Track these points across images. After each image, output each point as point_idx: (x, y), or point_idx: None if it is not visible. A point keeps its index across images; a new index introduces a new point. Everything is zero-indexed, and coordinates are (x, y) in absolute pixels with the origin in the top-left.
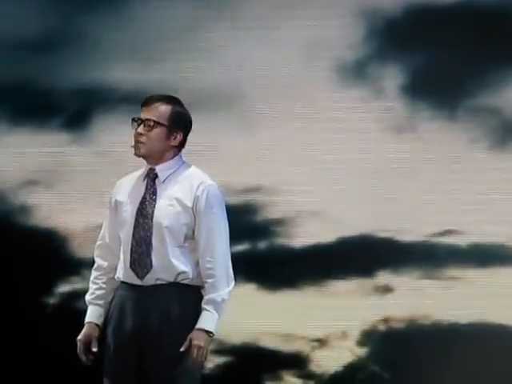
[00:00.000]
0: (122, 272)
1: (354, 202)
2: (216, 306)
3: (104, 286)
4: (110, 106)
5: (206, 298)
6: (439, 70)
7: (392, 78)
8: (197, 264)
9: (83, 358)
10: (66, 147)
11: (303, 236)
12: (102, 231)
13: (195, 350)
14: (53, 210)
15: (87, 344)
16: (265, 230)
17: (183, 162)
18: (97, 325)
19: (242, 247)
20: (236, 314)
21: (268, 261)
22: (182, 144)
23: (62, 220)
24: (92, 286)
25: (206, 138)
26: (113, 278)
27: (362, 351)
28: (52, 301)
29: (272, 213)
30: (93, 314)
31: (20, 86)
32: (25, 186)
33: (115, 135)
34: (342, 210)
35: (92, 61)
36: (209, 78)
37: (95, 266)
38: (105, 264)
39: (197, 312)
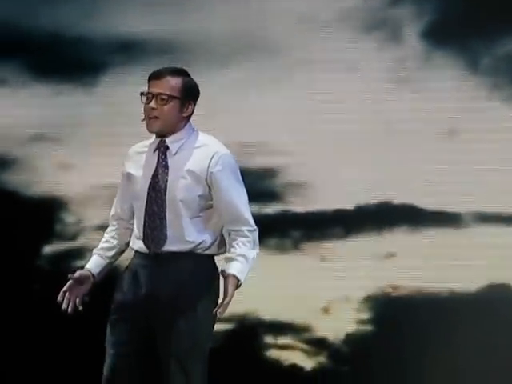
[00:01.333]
0: (136, 242)
1: (366, 164)
2: (247, 262)
3: (111, 239)
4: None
5: (237, 252)
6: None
7: (409, 24)
8: (213, 233)
9: (65, 299)
10: (80, 99)
11: (314, 201)
12: (115, 201)
13: (228, 299)
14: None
15: (75, 285)
16: (273, 194)
17: (193, 130)
18: (92, 274)
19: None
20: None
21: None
22: (192, 113)
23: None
24: (101, 241)
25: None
26: (120, 234)
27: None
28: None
29: (281, 177)
30: (91, 262)
31: (35, 38)
32: (34, 139)
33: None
34: (352, 173)
35: (106, 12)
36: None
37: (105, 232)
38: (115, 228)
39: (211, 282)
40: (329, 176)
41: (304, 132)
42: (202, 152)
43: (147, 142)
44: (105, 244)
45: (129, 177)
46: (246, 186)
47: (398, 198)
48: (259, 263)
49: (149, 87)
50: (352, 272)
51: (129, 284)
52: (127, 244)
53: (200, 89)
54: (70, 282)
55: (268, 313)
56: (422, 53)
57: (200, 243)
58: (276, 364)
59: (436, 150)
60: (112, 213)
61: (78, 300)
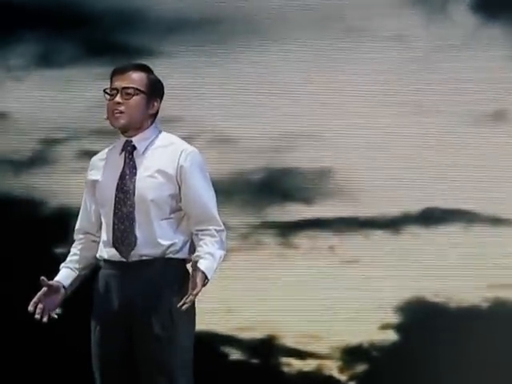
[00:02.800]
0: (105, 250)
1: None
2: (214, 260)
3: (78, 252)
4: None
5: (204, 250)
6: None
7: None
8: (184, 236)
9: (38, 308)
10: None
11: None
12: (80, 214)
13: (195, 292)
14: None
15: (47, 295)
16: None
17: (159, 130)
18: (63, 285)
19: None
20: None
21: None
22: (157, 112)
23: None
24: (68, 256)
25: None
26: (87, 248)
27: None
28: None
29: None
30: (61, 275)
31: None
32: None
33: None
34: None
35: None
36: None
37: (72, 246)
38: (82, 241)
39: (184, 286)
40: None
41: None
42: (171, 150)
43: (108, 149)
44: (73, 257)
45: (93, 184)
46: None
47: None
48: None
49: (112, 83)
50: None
51: (102, 296)
52: (95, 257)
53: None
54: (41, 291)
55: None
56: (470, 28)
57: (171, 246)
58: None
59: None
60: (77, 227)
61: (52, 310)
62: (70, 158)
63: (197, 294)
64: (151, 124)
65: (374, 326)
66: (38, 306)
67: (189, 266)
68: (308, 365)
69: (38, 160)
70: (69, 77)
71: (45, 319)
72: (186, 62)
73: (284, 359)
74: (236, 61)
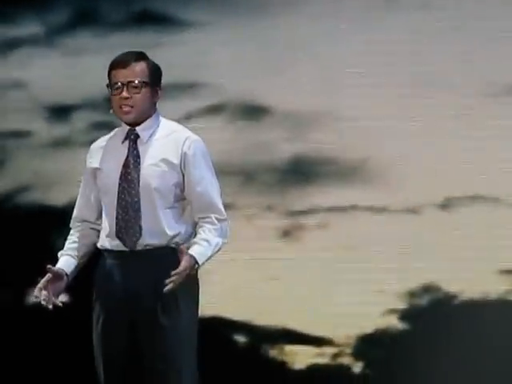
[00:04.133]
0: (108, 240)
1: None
2: (209, 246)
3: (77, 240)
4: None
5: (201, 236)
6: None
7: None
8: (188, 225)
9: (43, 294)
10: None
11: None
12: (77, 201)
13: (180, 275)
14: None
15: (51, 282)
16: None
17: (161, 118)
18: (66, 273)
19: None
20: None
21: None
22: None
23: None
24: (65, 244)
25: None
26: (86, 235)
27: None
28: None
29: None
30: (63, 262)
31: None
32: None
33: None
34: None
35: None
36: None
37: (70, 234)
38: (80, 229)
39: (190, 276)
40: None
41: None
42: (174, 139)
43: (108, 137)
44: (73, 245)
45: (94, 172)
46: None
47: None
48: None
49: (114, 77)
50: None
51: (105, 287)
52: (94, 245)
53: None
54: (45, 277)
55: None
56: None
57: (176, 235)
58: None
59: None
60: (75, 215)
61: (55, 297)
62: None
63: (179, 276)
64: (154, 112)
65: (387, 312)
66: (43, 293)
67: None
68: (317, 352)
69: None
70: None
71: (50, 306)
72: (221, 31)
73: (291, 346)
74: (272, 31)
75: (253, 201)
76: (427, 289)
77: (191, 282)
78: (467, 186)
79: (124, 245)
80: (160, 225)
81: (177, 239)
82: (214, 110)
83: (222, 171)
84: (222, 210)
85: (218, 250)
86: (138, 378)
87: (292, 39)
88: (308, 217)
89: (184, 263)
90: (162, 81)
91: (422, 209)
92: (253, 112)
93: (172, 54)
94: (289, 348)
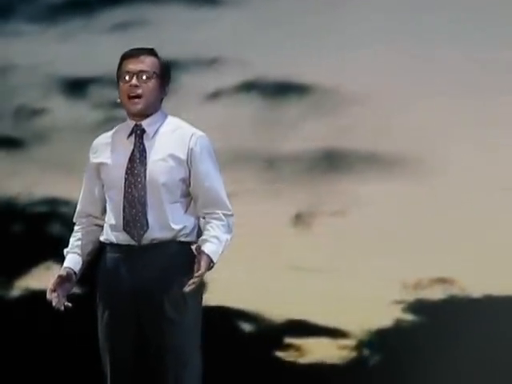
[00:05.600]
0: (114, 235)
1: None
2: (220, 243)
3: (83, 237)
4: None
5: (210, 233)
6: None
7: None
8: (193, 218)
9: (53, 296)
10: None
11: None
12: (80, 197)
13: (200, 274)
14: None
15: (61, 283)
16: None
17: (166, 114)
18: (74, 271)
19: None
20: None
21: None
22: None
23: None
24: (70, 241)
25: None
26: (91, 231)
27: None
28: None
29: None
30: (70, 261)
31: None
32: None
33: None
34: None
35: None
36: None
37: (74, 230)
38: (85, 225)
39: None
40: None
41: None
42: (180, 134)
43: (111, 133)
44: (78, 242)
45: (98, 167)
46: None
47: None
48: None
49: (125, 66)
50: None
51: (111, 281)
52: (99, 242)
53: None
54: (55, 280)
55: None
56: None
57: (182, 229)
58: None
59: None
60: (79, 210)
61: (65, 298)
62: None
63: (200, 277)
64: (160, 108)
65: (397, 303)
66: (54, 295)
67: (194, 250)
68: (330, 344)
69: None
70: None
71: (62, 308)
72: (251, 7)
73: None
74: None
75: (272, 185)
76: (442, 281)
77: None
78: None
79: (132, 238)
80: (166, 219)
81: (182, 233)
82: (245, 87)
83: (248, 153)
84: (229, 205)
85: (227, 246)
86: (144, 372)
87: (329, 17)
88: (325, 205)
89: (203, 264)
90: (194, 57)
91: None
92: (284, 90)
93: (203, 29)
94: (299, 340)
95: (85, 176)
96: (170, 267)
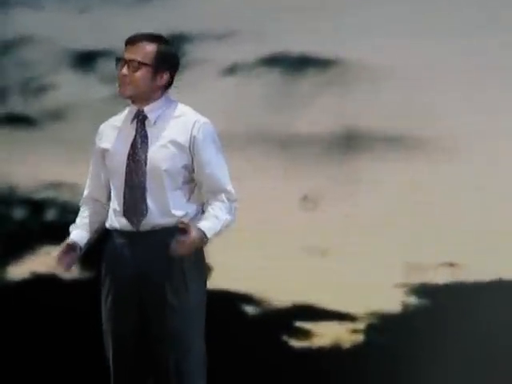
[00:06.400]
0: (116, 220)
1: None
2: (218, 222)
3: (89, 216)
4: None
5: (210, 213)
6: None
7: None
8: (196, 205)
9: (62, 259)
10: None
11: None
12: (88, 181)
13: (179, 244)
14: None
15: (66, 253)
16: None
17: (171, 101)
18: (79, 246)
19: None
20: None
21: None
22: (170, 83)
23: None
24: (77, 220)
25: None
26: (97, 213)
27: None
28: None
29: None
30: (76, 235)
31: None
32: None
33: None
34: None
35: None
36: None
37: (81, 211)
38: (92, 208)
39: (198, 256)
40: None
41: None
42: (183, 121)
43: (118, 117)
44: (85, 220)
45: (103, 152)
46: None
47: None
48: None
49: (123, 53)
50: None
51: (114, 266)
52: (103, 224)
53: None
54: (62, 248)
55: None
56: None
57: (183, 216)
58: None
59: None
60: (86, 194)
61: (70, 266)
62: None
63: (186, 244)
64: (162, 95)
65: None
66: (59, 262)
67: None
68: (336, 327)
69: None
70: None
71: (68, 269)
72: None
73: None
74: None
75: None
76: (450, 265)
77: (199, 263)
78: None
79: (131, 224)
80: (168, 206)
81: (184, 220)
82: (263, 62)
83: (262, 131)
84: (232, 191)
85: (227, 227)
86: (146, 356)
87: None
88: (337, 186)
89: (193, 234)
90: (210, 30)
91: None
92: (303, 65)
93: (221, 2)
94: (305, 323)
95: (91, 160)
96: (172, 256)
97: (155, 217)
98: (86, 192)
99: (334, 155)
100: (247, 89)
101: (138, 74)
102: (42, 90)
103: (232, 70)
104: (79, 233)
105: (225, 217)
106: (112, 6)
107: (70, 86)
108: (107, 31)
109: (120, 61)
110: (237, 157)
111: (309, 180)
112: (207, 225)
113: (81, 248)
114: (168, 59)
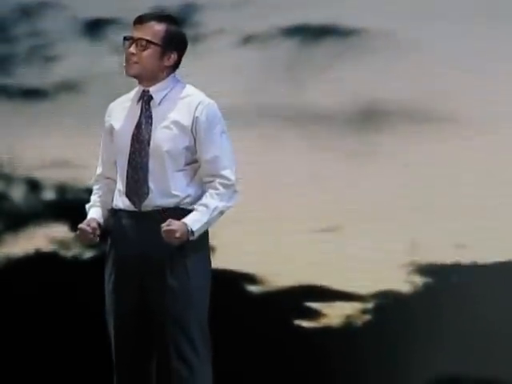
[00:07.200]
0: (121, 200)
1: None
2: (207, 211)
3: (104, 195)
4: None
5: (200, 202)
6: None
7: None
8: (199, 188)
9: (87, 233)
10: None
11: None
12: (99, 160)
13: (168, 234)
14: None
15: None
16: None
17: (178, 81)
18: (98, 223)
19: None
20: None
21: None
22: (177, 64)
23: None
24: (92, 198)
25: None
26: (112, 189)
27: None
28: None
29: None
30: (94, 213)
31: None
32: None
33: None
34: None
35: None
36: None
37: (94, 189)
38: (105, 186)
39: (200, 238)
40: None
41: None
42: (187, 102)
43: (129, 95)
44: (101, 198)
45: (111, 131)
46: None
47: None
48: None
49: (131, 31)
50: None
51: (117, 246)
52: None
53: None
54: (86, 221)
55: None
56: None
57: (185, 197)
58: None
59: None
60: (98, 172)
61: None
62: None
63: (166, 232)
64: (168, 75)
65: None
66: (85, 229)
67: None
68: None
69: None
70: None
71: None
72: None
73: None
74: None
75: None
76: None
77: (202, 246)
78: None
79: (133, 204)
80: (169, 186)
81: (187, 201)
82: (281, 31)
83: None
84: (229, 175)
85: (221, 215)
86: (148, 338)
87: None
88: (346, 164)
89: (175, 225)
90: None
91: None
92: (324, 35)
93: None
94: (309, 303)
95: (101, 139)
96: None
97: (156, 197)
98: (98, 170)
99: (350, 130)
100: (264, 61)
101: (146, 53)
102: (51, 59)
103: (247, 40)
104: (96, 210)
105: (215, 204)
106: None
107: (80, 56)
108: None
109: (128, 39)
110: (249, 132)
111: (322, 155)
112: (193, 217)
113: (100, 225)
114: (176, 40)
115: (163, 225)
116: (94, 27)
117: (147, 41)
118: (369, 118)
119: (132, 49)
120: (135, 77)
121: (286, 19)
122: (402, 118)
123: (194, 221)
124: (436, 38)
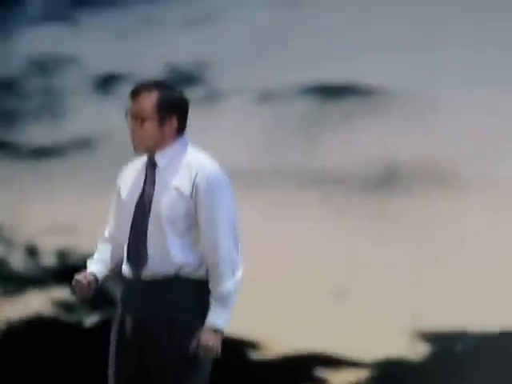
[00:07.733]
0: (124, 267)
1: None
2: (223, 301)
3: (103, 252)
4: None
5: (212, 292)
6: None
7: None
8: (199, 254)
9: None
10: None
11: None
12: (109, 219)
13: (203, 351)
14: None
15: (87, 279)
16: None
17: (185, 144)
18: (96, 278)
19: None
20: None
21: None
22: (182, 126)
23: None
24: (95, 256)
25: None
26: (117, 250)
27: None
28: None
29: None
30: (93, 268)
31: None
32: None
33: None
34: None
35: None
36: None
37: (99, 244)
38: (111, 247)
39: (201, 306)
40: None
41: None
42: (189, 169)
43: (143, 158)
44: (103, 256)
45: (120, 194)
46: None
47: None
48: None
49: (129, 104)
50: None
51: (120, 313)
52: (118, 264)
53: None
54: (80, 275)
55: None
56: None
57: (185, 265)
58: None
59: None
60: (106, 234)
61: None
62: None
63: (209, 352)
64: (174, 139)
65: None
66: (79, 284)
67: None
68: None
69: None
70: None
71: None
72: None
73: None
74: None
75: None
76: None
77: (202, 316)
78: None
79: (132, 271)
80: (168, 253)
81: (185, 269)
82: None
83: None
84: (226, 246)
85: (236, 293)
86: None
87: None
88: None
89: (208, 339)
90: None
91: None
92: (343, 94)
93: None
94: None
95: (112, 201)
96: (170, 303)
97: (155, 264)
98: (107, 231)
99: (365, 193)
100: (280, 119)
101: (145, 128)
102: (61, 116)
103: (262, 97)
104: (97, 267)
105: (227, 289)
106: (150, 32)
107: (92, 112)
108: (138, 56)
109: (128, 113)
110: (264, 192)
111: (335, 220)
112: (214, 315)
113: (98, 281)
114: (171, 104)
115: (200, 346)
116: (106, 83)
117: (143, 115)
118: (383, 180)
119: (132, 125)
120: (145, 153)
121: (301, 77)
122: (418, 181)
123: (216, 319)
124: (450, 98)
